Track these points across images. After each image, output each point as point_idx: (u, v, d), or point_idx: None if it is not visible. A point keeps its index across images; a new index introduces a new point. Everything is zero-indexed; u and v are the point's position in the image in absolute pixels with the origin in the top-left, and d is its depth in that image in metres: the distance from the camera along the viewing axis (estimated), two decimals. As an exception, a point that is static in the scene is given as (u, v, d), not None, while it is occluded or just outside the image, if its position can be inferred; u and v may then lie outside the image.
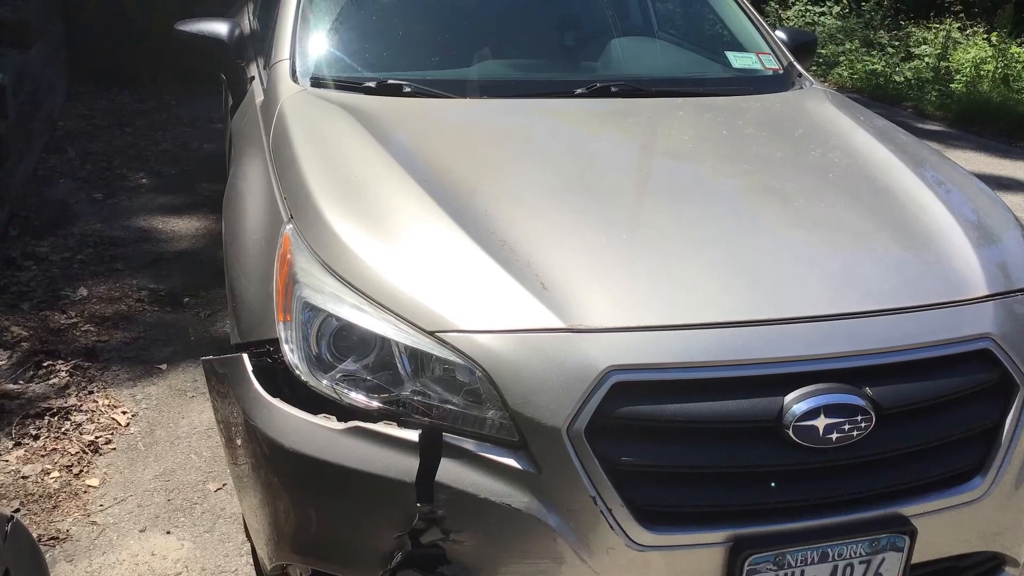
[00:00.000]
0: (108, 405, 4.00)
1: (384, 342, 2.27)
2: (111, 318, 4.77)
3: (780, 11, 17.11)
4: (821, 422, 2.16)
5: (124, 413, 3.97)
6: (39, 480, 3.48)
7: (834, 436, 2.17)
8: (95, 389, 4.12)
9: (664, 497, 2.19)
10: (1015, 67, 12.57)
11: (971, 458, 2.39)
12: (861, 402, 2.19)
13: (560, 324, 2.20)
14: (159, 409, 4.05)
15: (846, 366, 2.25)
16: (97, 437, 3.78)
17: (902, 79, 13.14)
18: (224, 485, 3.55)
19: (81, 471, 3.57)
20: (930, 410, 2.33)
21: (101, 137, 7.91)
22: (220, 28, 3.93)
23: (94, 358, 4.37)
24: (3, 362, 4.23)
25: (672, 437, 2.18)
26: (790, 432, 2.15)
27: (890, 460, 2.30)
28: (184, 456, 3.74)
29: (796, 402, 2.17)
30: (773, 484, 2.22)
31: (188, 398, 4.14)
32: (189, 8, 8.37)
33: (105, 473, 3.59)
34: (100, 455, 3.69)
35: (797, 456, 2.20)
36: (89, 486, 3.51)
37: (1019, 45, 13.29)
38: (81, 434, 3.77)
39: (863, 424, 2.19)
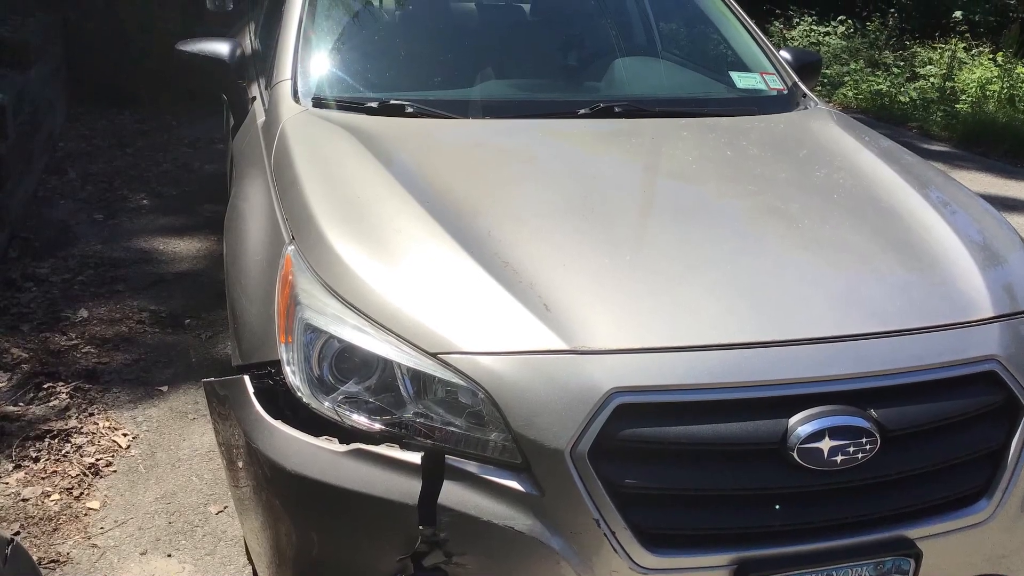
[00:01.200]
0: (109, 427, 4.01)
1: (386, 364, 2.27)
2: (112, 340, 4.78)
3: (784, 31, 17.17)
4: (826, 444, 2.16)
5: (125, 435, 3.97)
6: (39, 502, 3.49)
7: (839, 458, 2.17)
8: (96, 411, 4.12)
9: (668, 520, 2.19)
10: (1021, 87, 12.60)
11: (976, 480, 2.39)
12: (866, 424, 2.20)
13: (563, 346, 2.21)
14: (160, 431, 4.05)
15: (851, 388, 2.26)
16: (98, 459, 3.78)
17: (907, 99, 13.17)
18: (225, 508, 3.55)
19: (82, 493, 3.58)
20: (935, 432, 2.33)
21: (101, 158, 7.94)
22: (221, 48, 3.95)
23: (95, 380, 4.38)
24: (3, 384, 4.23)
25: (676, 459, 2.19)
26: (794, 454, 2.16)
27: (895, 482, 2.30)
28: (185, 478, 3.74)
29: (800, 424, 2.17)
30: (777, 507, 2.22)
31: (189, 420, 4.14)
32: (190, 28, 8.43)
33: (106, 495, 3.59)
34: (101, 477, 3.69)
35: (801, 478, 2.20)
36: (90, 508, 3.51)
37: (1025, 65, 13.31)
38: (82, 456, 3.78)
39: (868, 446, 2.19)
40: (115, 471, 3.75)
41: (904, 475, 2.30)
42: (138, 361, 4.62)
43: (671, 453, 2.18)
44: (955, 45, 14.24)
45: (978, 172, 9.85)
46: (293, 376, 2.37)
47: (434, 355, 2.23)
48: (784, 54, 4.54)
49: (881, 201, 3.07)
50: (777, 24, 17.58)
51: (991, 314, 2.52)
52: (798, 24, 17.24)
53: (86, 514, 3.48)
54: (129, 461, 3.83)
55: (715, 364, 2.22)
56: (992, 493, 2.38)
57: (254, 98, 4.07)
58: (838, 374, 2.26)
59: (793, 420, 2.18)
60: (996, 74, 12.84)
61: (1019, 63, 13.34)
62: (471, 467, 2.19)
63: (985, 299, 2.57)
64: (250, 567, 3.18)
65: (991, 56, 13.80)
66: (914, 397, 2.31)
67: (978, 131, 11.47)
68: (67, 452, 3.79)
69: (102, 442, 3.90)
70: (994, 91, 12.56)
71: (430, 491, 2.17)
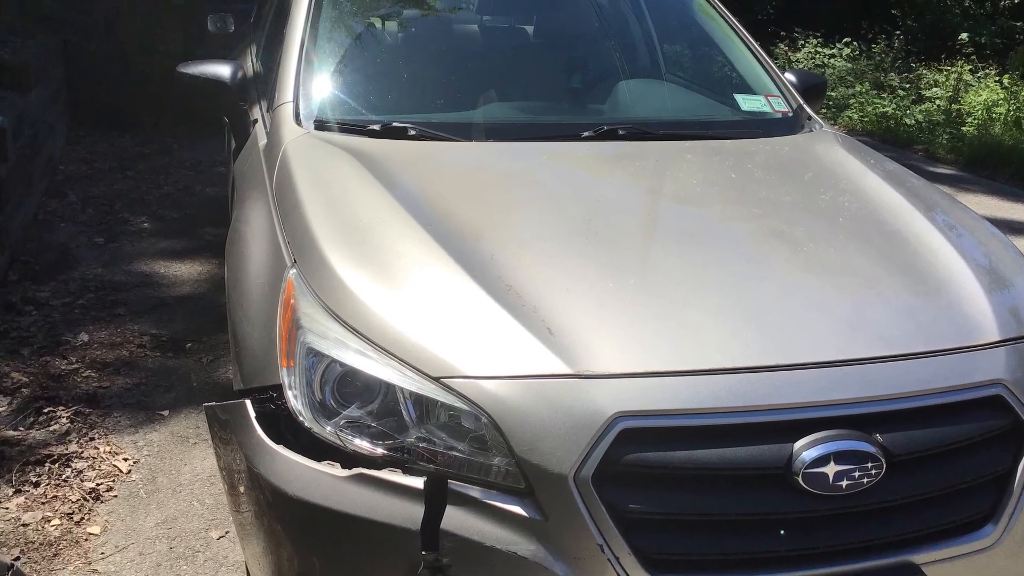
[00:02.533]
0: (109, 452, 4.01)
1: (388, 388, 2.28)
2: (112, 364, 4.79)
3: (789, 53, 17.22)
4: (831, 469, 2.17)
5: (126, 460, 3.97)
6: (40, 528, 3.49)
7: (844, 483, 2.18)
8: (96, 435, 4.13)
9: (672, 545, 2.19)
10: (1027, 110, 12.62)
11: (983, 505, 2.39)
12: (871, 449, 2.20)
13: (567, 370, 2.21)
14: (161, 456, 4.06)
15: (856, 412, 2.26)
16: (98, 484, 3.78)
17: (913, 122, 13.20)
18: (227, 533, 3.55)
19: (82, 519, 3.58)
20: (941, 457, 2.33)
21: (102, 181, 7.97)
22: (222, 70, 3.96)
23: (95, 404, 4.39)
24: (3, 408, 4.24)
25: (680, 484, 2.19)
26: (799, 479, 2.16)
27: (901, 507, 2.30)
28: (186, 503, 3.74)
29: (806, 449, 2.17)
30: (782, 532, 2.22)
31: (190, 445, 4.15)
32: (191, 50, 8.47)
33: (106, 520, 3.60)
34: (101, 502, 3.70)
35: (807, 503, 2.21)
36: (90, 534, 3.51)
37: (1032, 87, 13.34)
38: (82, 481, 3.78)
39: (873, 471, 2.19)
40: (116, 496, 3.75)
41: (910, 500, 2.31)
42: (139, 385, 4.63)
43: (675, 478, 2.18)
44: (961, 67, 14.28)
45: (984, 195, 9.86)
46: (295, 400, 2.38)
47: (437, 379, 2.23)
48: (789, 76, 4.55)
49: (887, 224, 3.08)
50: (782, 46, 17.64)
51: (997, 338, 2.52)
52: (803, 46, 17.31)
53: (86, 539, 3.48)
54: (130, 486, 3.83)
55: (719, 388, 2.23)
56: (998, 518, 2.38)
57: (256, 120, 4.08)
58: (843, 398, 2.26)
59: (798, 445, 2.18)
60: (1002, 96, 12.87)
61: (1025, 85, 13.37)
62: (474, 492, 2.19)
63: (991, 323, 2.57)
64: (251, 593, 3.18)
65: (997, 78, 13.83)
66: (920, 421, 2.31)
67: (984, 154, 11.49)
68: (67, 477, 3.80)
69: (103, 467, 3.91)
70: (1000, 113, 12.58)
71: (433, 516, 2.17)
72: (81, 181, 7.90)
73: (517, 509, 2.17)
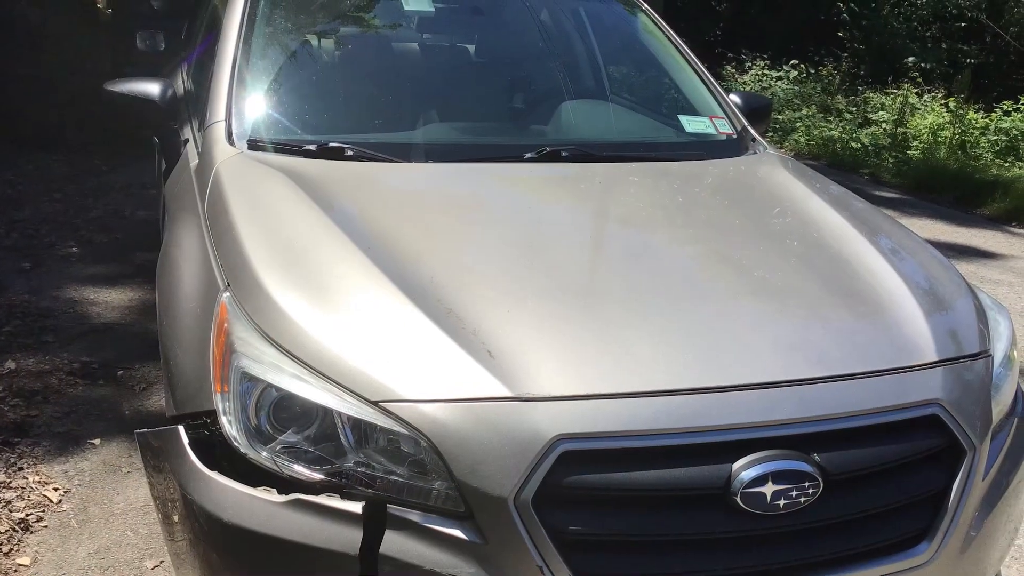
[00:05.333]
0: (39, 482, 3.99)
1: (326, 413, 2.30)
2: (41, 392, 4.76)
3: (737, 75, 17.44)
4: (769, 489, 2.22)
5: (56, 490, 3.95)
6: (-35, 561, 3.47)
7: (782, 503, 2.23)
8: (25, 465, 4.10)
9: (612, 566, 2.23)
10: (972, 133, 12.87)
11: (919, 523, 2.46)
12: (809, 468, 2.26)
13: (507, 393, 2.24)
14: (93, 485, 4.04)
15: (794, 432, 2.32)
16: (28, 515, 3.76)
17: (859, 145, 13.41)
18: (162, 562, 3.54)
19: (11, 550, 3.55)
20: (878, 476, 2.40)
21: (28, 204, 7.92)
22: (152, 88, 3.92)
23: (23, 434, 4.36)
24: (-75, 439, 4.20)
25: (620, 505, 2.23)
26: (738, 499, 2.21)
27: (838, 526, 2.36)
28: (120, 533, 3.73)
29: (744, 469, 2.23)
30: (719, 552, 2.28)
31: (123, 474, 4.13)
32: (120, 69, 8.43)
33: (37, 551, 3.58)
34: (31, 533, 3.67)
35: (745, 523, 2.26)
36: (20, 565, 3.48)
37: (976, 111, 13.62)
38: (11, 512, 3.75)
39: (811, 490, 2.25)
40: (46, 526, 3.73)
41: (847, 519, 2.37)
42: (69, 414, 4.60)
43: (616, 499, 2.23)
44: (907, 90, 14.53)
45: (928, 219, 10.06)
46: (229, 426, 2.39)
47: (375, 403, 2.25)
48: (734, 98, 4.62)
49: (829, 247, 3.14)
50: (729, 68, 17.87)
51: (935, 358, 2.59)
52: (750, 68, 17.54)
53: (16, 571, 3.45)
54: (61, 516, 3.81)
55: (659, 410, 2.27)
56: (933, 536, 2.45)
57: (187, 140, 4.04)
58: (782, 419, 2.31)
59: (737, 465, 2.24)
60: (948, 120, 13.12)
61: (970, 108, 13.63)
62: (413, 516, 2.22)
63: (929, 344, 2.64)
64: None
65: (943, 102, 14.09)
66: (857, 441, 2.38)
67: (929, 177, 11.72)
68: (-6, 508, 3.78)
69: (32, 497, 3.88)
70: (946, 137, 12.83)
71: (372, 541, 2.20)
72: (6, 204, 7.84)
73: (457, 533, 2.20)
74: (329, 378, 2.31)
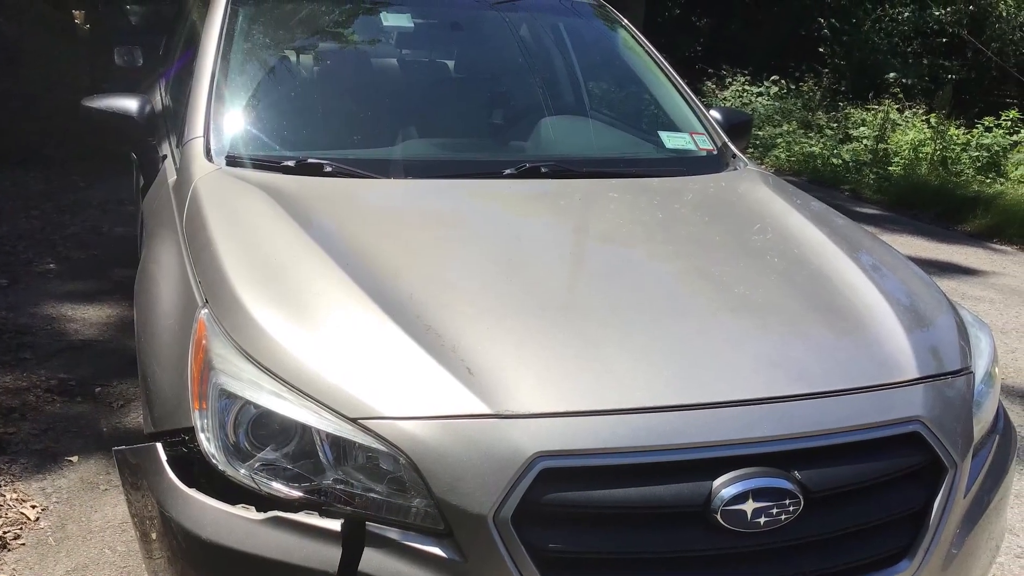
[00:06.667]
0: (16, 499, 3.97)
1: (305, 430, 2.29)
2: (18, 409, 4.74)
3: (717, 91, 17.50)
4: (749, 506, 2.22)
5: (34, 507, 3.93)
6: (-59, 579, 3.45)
7: (762, 520, 2.24)
8: (2, 483, 4.08)
9: (592, 584, 2.23)
10: (953, 149, 12.94)
11: (900, 541, 2.47)
12: (789, 486, 2.26)
13: (486, 410, 2.24)
14: (70, 503, 4.02)
15: (775, 450, 2.32)
16: (5, 532, 3.73)
17: (840, 161, 13.47)
18: (138, 581, 3.53)
19: (-12, 568, 3.54)
20: (859, 493, 2.40)
21: (5, 220, 7.89)
22: (130, 104, 3.92)
23: (0, 451, 4.34)
24: (-100, 457, 4.18)
25: (600, 523, 2.23)
26: (718, 516, 2.21)
27: (818, 544, 2.37)
28: (97, 551, 3.71)
29: (724, 486, 2.23)
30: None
31: (101, 491, 4.11)
32: (98, 85, 8.41)
33: (14, 569, 3.55)
34: (8, 551, 3.65)
35: (725, 540, 2.26)
36: (-4, 584, 3.48)
37: (958, 127, 13.69)
38: (-13, 530, 3.75)
39: (791, 508, 2.26)
40: (23, 544, 3.71)
41: (827, 536, 2.38)
42: (47, 431, 4.58)
43: (595, 517, 2.23)
44: (888, 106, 14.60)
45: (909, 235, 10.11)
46: (208, 443, 2.38)
47: (354, 420, 2.25)
48: (714, 114, 4.62)
49: (810, 263, 3.15)
50: (710, 84, 17.92)
51: (916, 375, 2.60)
52: (731, 84, 17.59)
53: (-9, 590, 3.45)
54: (38, 534, 3.79)
55: (639, 427, 2.27)
56: (914, 553, 2.46)
57: (165, 156, 4.02)
58: (762, 436, 2.32)
59: (717, 482, 2.24)
60: (929, 136, 13.18)
61: (951, 124, 13.71)
62: (392, 534, 2.22)
63: (910, 361, 2.65)
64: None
65: (924, 118, 14.16)
66: (838, 458, 2.38)
67: (910, 193, 11.77)
68: (-30, 526, 3.76)
69: (9, 514, 3.86)
70: (927, 153, 12.89)
71: (350, 559, 2.20)
72: (-17, 221, 7.82)
73: (436, 550, 2.20)
74: (308, 395, 2.31)
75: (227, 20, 4.07)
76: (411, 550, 2.21)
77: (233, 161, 3.47)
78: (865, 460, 2.41)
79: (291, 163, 3.46)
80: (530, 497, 2.17)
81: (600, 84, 5.47)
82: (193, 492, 2.37)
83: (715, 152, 4.25)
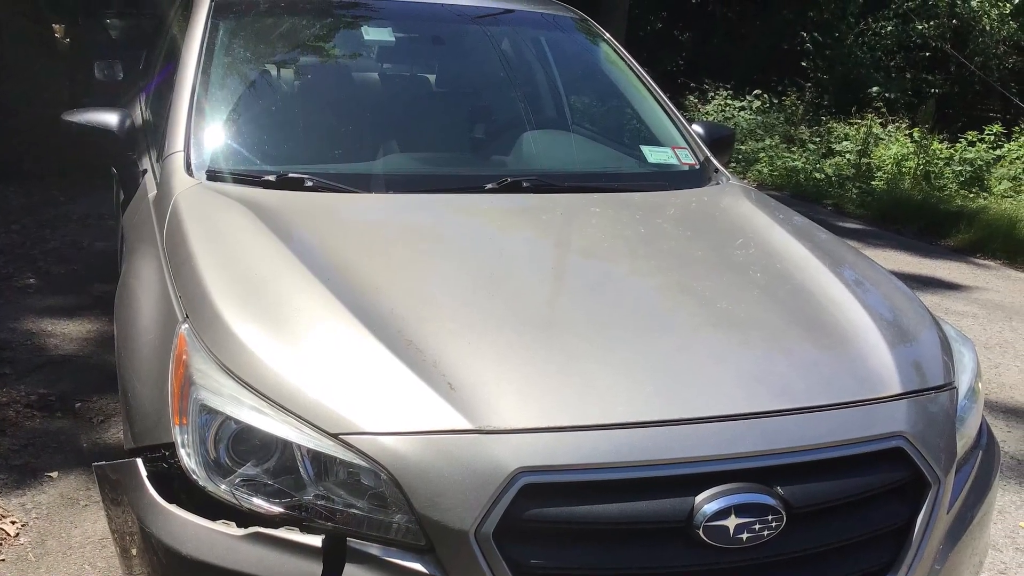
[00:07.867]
0: (-5, 515, 3.96)
1: (285, 445, 2.29)
2: (-4, 425, 4.72)
3: (699, 105, 17.54)
4: (732, 522, 2.23)
5: (13, 523, 3.91)
6: (-81, 596, 3.43)
7: (745, 536, 2.24)
8: (-19, 499, 4.07)
9: (574, 600, 2.23)
10: (937, 163, 12.99)
11: (883, 557, 2.47)
12: (772, 501, 2.27)
13: (468, 425, 2.24)
14: (50, 518, 4.00)
15: (757, 465, 2.33)
16: (-17, 548, 3.73)
17: (823, 176, 13.51)
18: (119, 597, 3.52)
19: (-34, 584, 3.52)
20: (842, 509, 2.41)
21: (-16, 235, 7.86)
22: (110, 118, 3.91)
23: (-22, 467, 4.32)
24: None
25: (582, 539, 2.23)
26: (700, 532, 2.22)
27: (801, 560, 2.37)
28: (77, 567, 3.69)
29: (707, 502, 2.23)
30: None
31: (81, 507, 4.10)
32: (78, 99, 8.40)
33: (-8, 586, 3.55)
34: (-13, 567, 3.65)
35: (708, 557, 2.26)
36: (-26, 601, 3.46)
37: (941, 141, 13.75)
38: (-34, 547, 3.72)
39: (774, 524, 2.26)
40: (3, 560, 3.69)
41: (810, 552, 2.38)
42: (26, 446, 4.56)
43: (578, 533, 2.23)
44: (871, 120, 14.65)
45: (892, 250, 10.14)
46: (188, 459, 2.38)
47: (335, 436, 2.25)
48: (696, 128, 4.63)
49: (792, 278, 3.16)
50: (692, 98, 17.96)
51: (899, 391, 2.61)
52: (713, 98, 17.63)
53: (-31, 607, 3.43)
54: (18, 549, 3.77)
55: (621, 443, 2.27)
56: (897, 569, 2.46)
57: (145, 171, 4.02)
58: (745, 452, 2.32)
59: (700, 498, 2.24)
60: (912, 150, 13.23)
61: (934, 139, 13.77)
62: (374, 549, 2.22)
63: (893, 376, 2.66)
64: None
65: (907, 132, 14.21)
66: (821, 474, 2.39)
67: (893, 208, 11.80)
68: (-51, 542, 3.74)
69: (-12, 530, 3.86)
70: (910, 167, 12.94)
71: (331, 574, 2.20)
72: (-39, 236, 7.79)
73: (417, 566, 2.19)
74: (288, 410, 2.30)
75: (208, 34, 4.06)
76: (392, 566, 2.20)
77: (213, 175, 3.47)
78: (848, 476, 2.41)
79: (272, 178, 3.45)
80: (512, 513, 2.16)
81: (582, 98, 5.49)
82: (173, 508, 2.36)
83: (697, 167, 4.26)
